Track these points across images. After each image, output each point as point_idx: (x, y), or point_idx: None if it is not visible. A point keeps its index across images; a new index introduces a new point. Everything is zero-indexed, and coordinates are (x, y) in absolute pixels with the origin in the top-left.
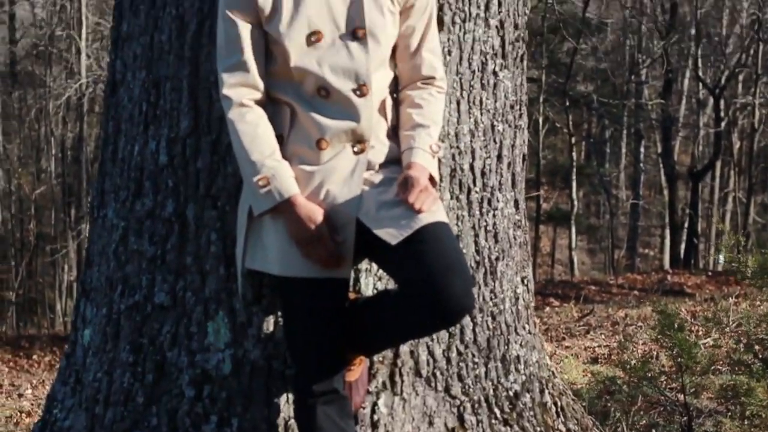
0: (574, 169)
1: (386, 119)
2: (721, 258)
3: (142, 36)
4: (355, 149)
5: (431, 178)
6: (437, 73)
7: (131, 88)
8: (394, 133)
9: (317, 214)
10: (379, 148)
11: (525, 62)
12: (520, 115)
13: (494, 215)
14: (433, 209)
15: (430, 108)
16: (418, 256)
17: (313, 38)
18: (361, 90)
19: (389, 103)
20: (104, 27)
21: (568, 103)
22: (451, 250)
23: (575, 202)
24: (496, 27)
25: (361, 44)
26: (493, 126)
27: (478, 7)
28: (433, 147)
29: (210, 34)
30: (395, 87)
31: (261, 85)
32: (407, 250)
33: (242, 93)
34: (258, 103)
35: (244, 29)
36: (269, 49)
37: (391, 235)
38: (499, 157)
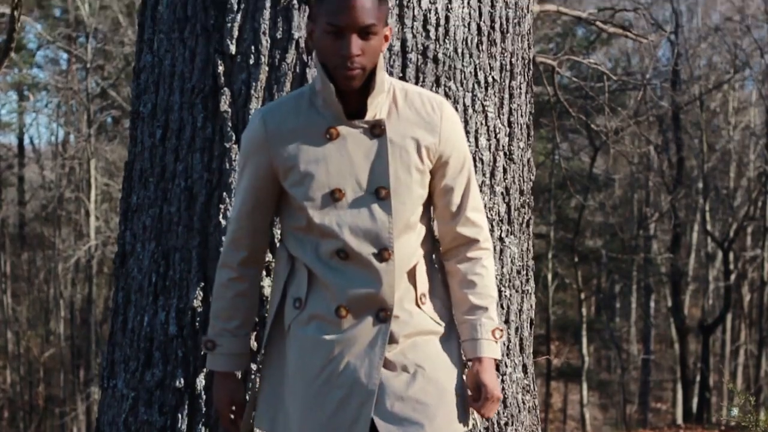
0: (584, 325)
1: (415, 287)
2: (734, 412)
3: (151, 207)
4: (377, 318)
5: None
6: (482, 234)
7: (141, 259)
8: (422, 301)
9: (227, 401)
10: (404, 319)
11: (531, 227)
12: (527, 280)
13: (503, 380)
14: (451, 417)
15: (485, 283)
16: None
17: (333, 196)
18: (383, 255)
19: (421, 269)
20: (113, 188)
21: (577, 259)
22: None
23: (586, 358)
24: (502, 194)
25: (384, 205)
26: (500, 291)
27: (484, 174)
28: (495, 333)
29: (219, 206)
30: (431, 247)
31: (256, 243)
32: None
33: (234, 251)
34: (251, 261)
35: (250, 184)
36: (291, 205)
37: None
38: (507, 322)
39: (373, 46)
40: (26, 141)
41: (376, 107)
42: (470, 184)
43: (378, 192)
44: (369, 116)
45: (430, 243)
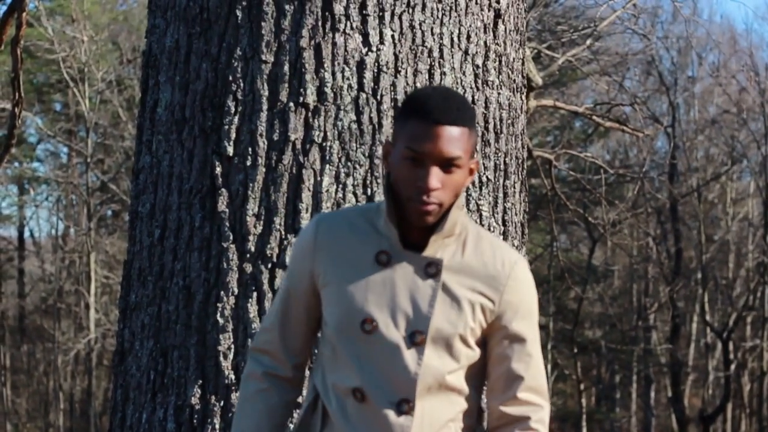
0: (585, 415)
1: None
2: None
3: (150, 306)
4: None
5: None
6: (536, 413)
7: (139, 357)
8: None
9: None
10: None
11: None
12: None
13: None
14: None
15: None
16: None
17: (364, 327)
18: (401, 407)
19: None
20: (113, 281)
21: (576, 350)
22: None
23: None
24: None
25: (417, 352)
26: None
27: None
28: None
29: (216, 304)
30: (474, 423)
31: (287, 358)
32: None
33: (262, 362)
34: (281, 379)
35: (288, 292)
36: (323, 328)
37: None
38: None
39: (456, 180)
40: (26, 234)
41: (440, 246)
42: (532, 359)
43: (413, 336)
44: (428, 252)
45: (475, 419)
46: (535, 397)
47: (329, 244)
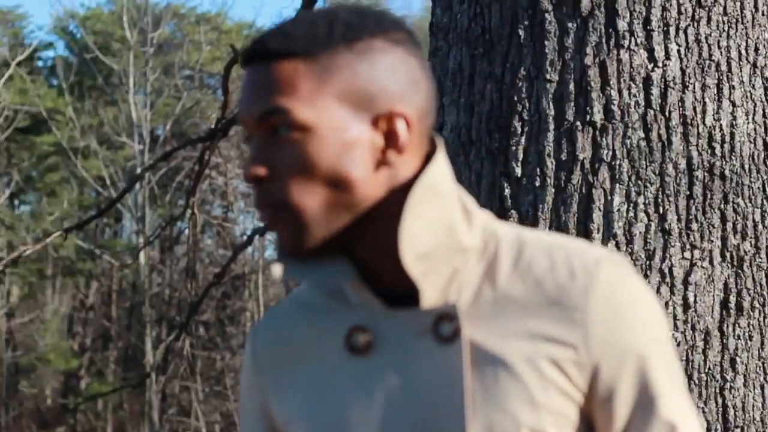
0: None
1: None
2: None
3: None
4: None
5: None
6: None
7: None
8: None
9: None
10: None
11: None
12: None
13: None
14: None
15: None
16: None
17: None
18: None
19: None
20: None
21: None
22: None
23: None
24: None
25: None
26: None
27: None
28: None
29: None
30: None
31: None
32: None
33: None
34: None
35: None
36: None
37: None
38: None
39: (301, 154)
40: None
41: (446, 281)
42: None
43: None
44: (428, 300)
45: None
46: None
47: (273, 356)
